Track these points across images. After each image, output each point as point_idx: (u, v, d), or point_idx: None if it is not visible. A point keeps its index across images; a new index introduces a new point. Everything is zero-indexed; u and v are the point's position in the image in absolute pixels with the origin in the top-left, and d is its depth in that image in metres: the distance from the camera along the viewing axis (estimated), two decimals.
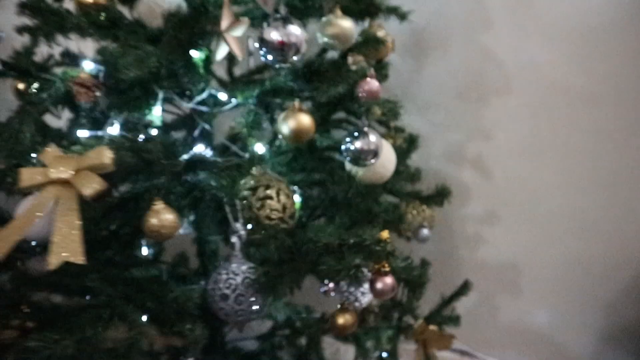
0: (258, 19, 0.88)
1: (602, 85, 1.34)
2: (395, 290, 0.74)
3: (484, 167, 1.51)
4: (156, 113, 0.94)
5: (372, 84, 0.86)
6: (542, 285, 1.52)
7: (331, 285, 1.00)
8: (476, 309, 1.50)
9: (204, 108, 1.02)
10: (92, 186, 0.64)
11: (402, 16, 1.07)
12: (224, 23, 0.78)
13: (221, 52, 0.81)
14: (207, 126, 1.09)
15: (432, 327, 1.22)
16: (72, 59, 1.00)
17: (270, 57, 0.76)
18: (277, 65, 0.77)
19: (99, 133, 0.80)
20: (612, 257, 1.42)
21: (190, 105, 1.02)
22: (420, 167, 1.34)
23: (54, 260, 0.60)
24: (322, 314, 1.29)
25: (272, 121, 0.99)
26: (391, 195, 1.19)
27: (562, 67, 1.37)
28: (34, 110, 0.83)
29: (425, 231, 1.20)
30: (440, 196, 1.19)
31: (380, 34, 0.98)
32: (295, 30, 0.75)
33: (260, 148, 1.08)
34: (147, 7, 0.87)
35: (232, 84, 0.99)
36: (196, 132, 1.09)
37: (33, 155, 0.79)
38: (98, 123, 0.82)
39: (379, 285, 0.73)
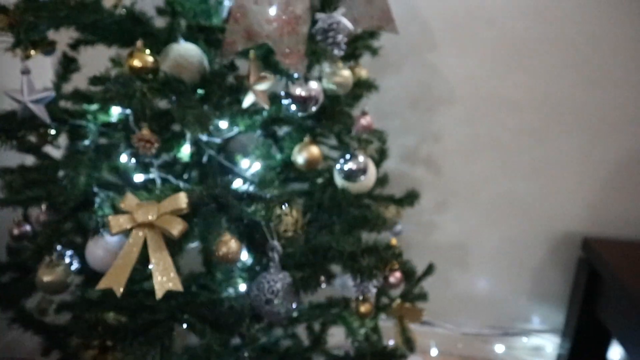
0: None
1: (527, 94, 1.64)
2: (403, 281, 0.97)
3: (433, 165, 1.77)
4: (185, 151, 1.09)
5: (367, 119, 1.07)
6: (484, 260, 1.83)
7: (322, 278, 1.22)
8: (431, 284, 1.78)
9: (216, 139, 1.17)
10: (177, 227, 0.80)
11: (374, 52, 1.27)
12: (252, 78, 0.95)
13: (247, 101, 0.97)
14: (212, 152, 1.24)
15: (407, 304, 1.47)
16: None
17: (294, 108, 0.95)
18: (299, 114, 0.95)
19: (151, 175, 0.94)
20: (538, 233, 1.76)
21: (205, 137, 1.17)
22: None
23: (159, 291, 0.76)
24: (309, 302, 1.50)
25: (280, 149, 1.17)
26: (369, 199, 1.41)
27: (495, 80, 1.64)
28: (84, 158, 0.96)
29: (399, 226, 1.43)
30: (410, 198, 1.42)
31: (363, 73, 1.18)
32: (314, 85, 0.94)
33: (255, 167, 1.26)
34: (173, 62, 1.00)
35: (235, 114, 1.14)
36: (204, 159, 1.25)
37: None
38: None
39: (392, 279, 0.95)
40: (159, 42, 0.99)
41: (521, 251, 1.79)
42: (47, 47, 1.00)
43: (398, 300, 1.46)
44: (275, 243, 0.97)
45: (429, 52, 1.66)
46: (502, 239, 1.80)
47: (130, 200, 0.83)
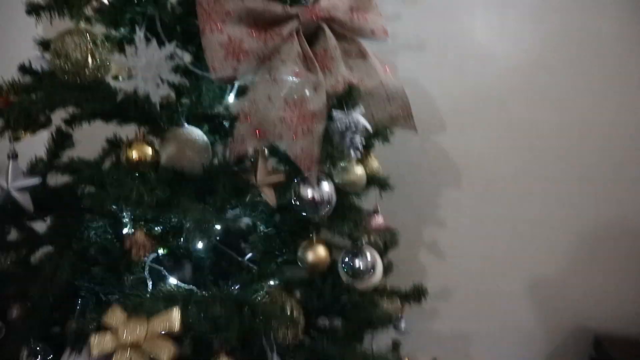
0: None
1: (535, 179, 1.59)
2: None
3: (438, 250, 1.69)
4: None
5: (378, 219, 1.00)
6: (488, 352, 1.72)
7: None
8: None
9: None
10: (166, 352, 0.70)
11: (385, 139, 1.21)
12: (260, 174, 0.88)
13: (253, 198, 0.89)
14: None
15: None
16: None
17: (304, 211, 0.87)
18: (310, 217, 0.87)
19: (145, 273, 0.85)
20: (546, 326, 1.66)
21: None
22: None
23: None
24: None
25: (283, 243, 1.08)
26: (374, 292, 1.32)
27: (503, 164, 1.60)
28: (70, 253, 0.86)
29: (403, 323, 1.33)
30: (417, 293, 1.32)
31: (375, 164, 1.11)
32: (327, 187, 0.87)
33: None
34: (176, 148, 0.92)
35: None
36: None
37: None
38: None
39: None
40: (161, 127, 0.92)
41: (528, 345, 1.69)
42: (40, 128, 0.93)
43: None
44: (275, 356, 0.88)
45: (436, 133, 1.62)
46: (507, 330, 1.70)
47: (116, 314, 0.73)
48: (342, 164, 0.95)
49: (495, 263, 1.66)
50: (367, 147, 1.12)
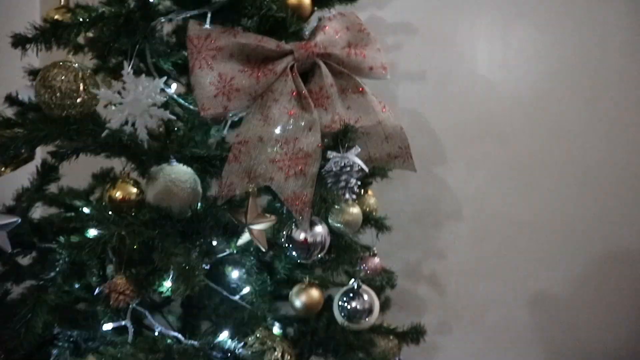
0: None
1: (536, 215, 1.54)
2: None
3: (437, 283, 1.64)
4: (167, 284, 0.96)
5: (374, 261, 0.95)
6: None
7: None
8: None
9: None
10: None
11: (384, 174, 1.18)
12: (250, 215, 0.83)
13: (242, 241, 0.85)
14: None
15: None
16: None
17: (295, 254, 0.83)
18: (301, 260, 0.83)
19: (123, 323, 0.80)
20: None
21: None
22: None
23: None
24: None
25: (276, 282, 1.04)
26: (369, 331, 1.26)
27: (504, 199, 1.55)
28: (46, 296, 0.82)
29: None
30: (415, 333, 1.27)
31: (372, 201, 1.08)
32: (320, 229, 0.83)
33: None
34: (163, 186, 0.87)
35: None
36: None
37: None
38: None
39: None
40: (148, 164, 0.88)
41: None
42: (23, 163, 0.89)
43: None
44: None
45: (437, 166, 1.58)
46: None
47: None
48: (336, 206, 0.91)
49: (497, 298, 1.61)
50: (364, 185, 1.08)
